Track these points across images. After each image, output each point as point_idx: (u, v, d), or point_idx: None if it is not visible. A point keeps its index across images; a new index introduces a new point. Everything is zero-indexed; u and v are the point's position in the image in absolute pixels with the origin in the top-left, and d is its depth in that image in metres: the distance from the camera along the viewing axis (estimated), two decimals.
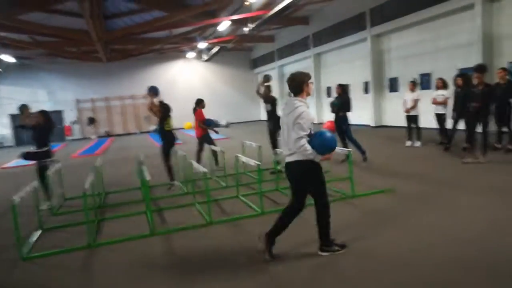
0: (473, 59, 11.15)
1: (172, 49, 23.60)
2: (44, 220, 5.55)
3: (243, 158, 5.96)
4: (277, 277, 3.38)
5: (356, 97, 15.30)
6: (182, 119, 25.90)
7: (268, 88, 8.20)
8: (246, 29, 16.92)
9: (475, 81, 7.14)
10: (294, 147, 3.49)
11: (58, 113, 24.54)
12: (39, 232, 5.17)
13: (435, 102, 9.21)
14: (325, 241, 3.68)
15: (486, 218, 4.34)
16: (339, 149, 6.19)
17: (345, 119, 8.30)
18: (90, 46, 18.10)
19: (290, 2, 12.37)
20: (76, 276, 3.79)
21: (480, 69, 7.11)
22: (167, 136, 7.50)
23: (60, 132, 24.11)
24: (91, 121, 25.51)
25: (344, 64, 18.23)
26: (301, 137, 3.43)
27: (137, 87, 26.55)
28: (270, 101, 8.11)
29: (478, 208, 4.72)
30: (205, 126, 8.78)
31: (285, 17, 18.57)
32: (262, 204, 5.22)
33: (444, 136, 9.16)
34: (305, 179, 3.63)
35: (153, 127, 26.36)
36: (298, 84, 3.68)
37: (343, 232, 4.12)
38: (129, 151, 15.30)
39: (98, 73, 25.17)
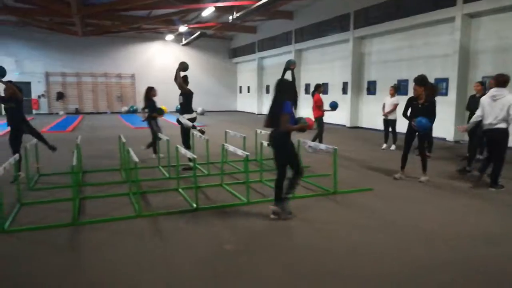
0: (449, 70, 11.69)
1: (151, 30, 23.01)
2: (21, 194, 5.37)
3: (231, 147, 5.99)
4: None
5: (335, 97, 15.60)
6: (158, 103, 25.50)
7: (185, 79, 7.41)
8: (230, 17, 16.82)
9: (414, 93, 6.45)
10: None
11: (26, 84, 23.37)
12: (17, 205, 5.01)
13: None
14: None
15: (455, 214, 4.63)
16: (325, 146, 6.37)
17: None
18: (66, 17, 17.35)
19: None
20: (63, 253, 3.72)
21: (419, 81, 6.35)
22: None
23: (26, 105, 23.05)
24: (60, 96, 24.55)
25: (325, 63, 18.48)
26: None
27: (111, 65, 25.79)
28: (183, 93, 7.37)
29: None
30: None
31: (270, 10, 18.57)
32: (248, 194, 5.30)
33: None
34: None
35: (125, 108, 25.84)
36: None
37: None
38: (102, 131, 14.87)
39: (70, 47, 24.13)
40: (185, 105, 7.40)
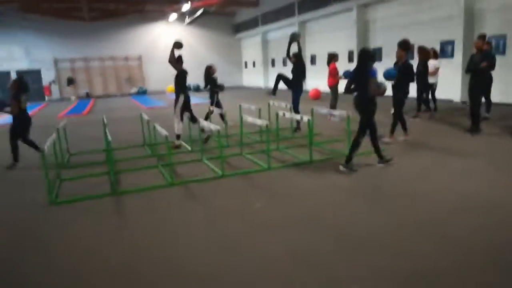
0: (456, 32, 11.78)
1: (155, 10, 23.07)
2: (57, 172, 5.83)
3: (250, 118, 6.35)
4: None
5: (341, 65, 15.72)
6: (165, 83, 25.83)
7: (179, 58, 7.55)
8: None
9: (397, 55, 6.70)
10: None
11: (36, 73, 23.83)
12: (57, 181, 5.48)
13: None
14: None
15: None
16: (339, 112, 6.69)
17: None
18: (73, 3, 17.50)
19: None
20: (111, 219, 4.18)
21: (400, 44, 6.60)
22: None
23: (39, 92, 23.54)
24: (70, 81, 24.96)
25: (329, 33, 18.51)
26: None
27: (118, 49, 26.03)
28: (178, 72, 7.57)
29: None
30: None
31: None
32: (269, 160, 5.70)
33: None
34: None
35: (134, 89, 26.21)
36: None
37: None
38: (117, 112, 15.30)
39: (76, 32, 24.41)
40: (180, 84, 7.61)
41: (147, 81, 26.81)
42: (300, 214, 3.96)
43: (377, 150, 5.42)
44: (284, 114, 6.85)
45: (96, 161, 6.75)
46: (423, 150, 6.34)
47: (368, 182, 4.92)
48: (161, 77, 24.95)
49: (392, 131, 6.84)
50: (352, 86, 5.26)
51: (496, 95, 9.61)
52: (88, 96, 25.31)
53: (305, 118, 5.98)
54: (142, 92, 25.72)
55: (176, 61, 7.51)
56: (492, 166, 5.26)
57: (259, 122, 5.91)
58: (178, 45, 7.53)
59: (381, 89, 5.06)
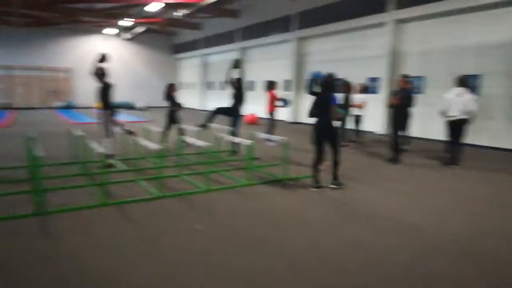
0: (381, 71, 12.90)
1: (93, 23, 22.23)
2: None
3: (190, 139, 6.31)
4: None
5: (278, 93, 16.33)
6: (95, 98, 24.62)
7: (103, 71, 7.22)
8: (178, 14, 16.89)
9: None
10: None
11: None
12: None
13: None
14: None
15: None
16: (279, 138, 6.92)
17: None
18: (2, 6, 16.29)
19: None
20: (38, 240, 3.87)
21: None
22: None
23: None
24: None
25: (268, 62, 19.21)
26: None
27: (46, 59, 24.49)
28: (103, 85, 7.25)
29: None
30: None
31: (216, 8, 18.89)
32: (209, 182, 5.69)
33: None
34: None
35: (60, 103, 24.63)
36: None
37: None
38: (42, 126, 14.25)
39: (1, 39, 22.59)
40: (104, 98, 7.25)
41: (75, 95, 25.41)
42: (240, 236, 3.99)
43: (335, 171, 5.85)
44: (224, 137, 6.93)
45: (17, 178, 6.21)
46: (349, 178, 6.76)
47: (305, 205, 5.11)
48: (91, 92, 23.80)
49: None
50: (315, 111, 5.75)
51: (416, 130, 10.60)
52: (5, 107, 23.19)
53: (247, 142, 6.10)
54: (69, 107, 24.31)
55: (100, 74, 7.20)
56: (410, 192, 5.76)
57: (200, 143, 5.92)
58: (103, 58, 7.28)
59: (340, 115, 5.54)
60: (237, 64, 8.55)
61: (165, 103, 9.30)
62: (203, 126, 8.32)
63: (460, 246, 3.84)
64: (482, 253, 3.67)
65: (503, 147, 9.87)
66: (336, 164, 5.82)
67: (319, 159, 5.73)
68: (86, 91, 24.63)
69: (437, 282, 3.12)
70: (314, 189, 5.70)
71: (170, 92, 9.25)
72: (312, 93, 5.85)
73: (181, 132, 8.84)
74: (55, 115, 19.18)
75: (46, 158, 7.58)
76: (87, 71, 7.34)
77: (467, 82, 7.75)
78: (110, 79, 7.37)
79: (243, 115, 8.59)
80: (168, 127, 9.14)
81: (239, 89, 8.53)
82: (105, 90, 7.26)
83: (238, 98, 8.50)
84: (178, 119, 9.11)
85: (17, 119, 17.04)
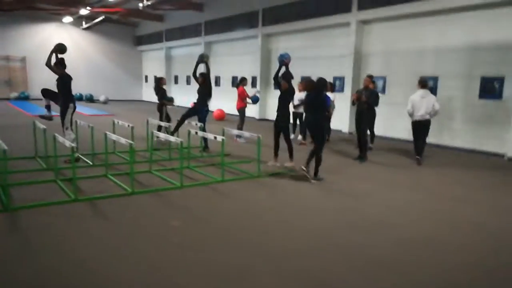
0: (346, 70, 13.28)
1: (48, 10, 21.13)
2: None
3: (161, 135, 6.24)
4: None
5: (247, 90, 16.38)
6: (52, 89, 23.50)
7: (61, 61, 6.97)
8: (140, 5, 16.45)
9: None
10: None
11: None
12: None
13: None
14: None
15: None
16: (249, 134, 6.98)
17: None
18: None
19: None
20: (7, 237, 3.71)
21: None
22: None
23: None
24: None
25: (234, 57, 19.16)
26: None
27: None
28: (60, 78, 6.93)
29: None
30: None
31: (180, 0, 18.59)
32: (181, 178, 5.66)
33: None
34: None
35: (14, 94, 23.29)
36: None
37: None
38: None
39: None
40: (63, 90, 6.90)
41: (30, 85, 24.09)
42: (215, 232, 4.03)
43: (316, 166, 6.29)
44: (196, 133, 6.90)
45: None
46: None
47: (280, 199, 5.22)
48: (48, 83, 22.75)
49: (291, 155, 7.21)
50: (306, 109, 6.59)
51: (379, 129, 11.02)
52: None
53: (219, 138, 6.12)
54: (24, 98, 23.05)
55: (56, 65, 6.91)
56: (380, 188, 6.04)
57: (172, 139, 5.86)
58: (60, 48, 7.01)
59: (330, 112, 6.48)
60: (203, 59, 8.45)
61: (158, 97, 9.07)
62: (173, 133, 7.97)
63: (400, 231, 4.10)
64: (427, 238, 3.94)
65: (460, 146, 10.42)
66: (317, 160, 6.22)
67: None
68: (42, 82, 23.22)
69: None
70: (314, 181, 6.19)
71: (159, 85, 9.03)
72: (278, 85, 6.93)
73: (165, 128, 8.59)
74: (8, 107, 18.14)
75: (9, 152, 7.27)
76: (43, 60, 6.96)
77: (428, 84, 8.22)
78: (68, 70, 7.09)
79: (208, 110, 8.54)
80: (165, 120, 8.93)
81: (205, 84, 8.45)
82: (63, 82, 6.94)
83: (204, 93, 8.43)
84: (168, 115, 8.90)
85: None
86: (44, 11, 21.37)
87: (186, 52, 22.37)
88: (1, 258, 3.28)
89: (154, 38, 25.40)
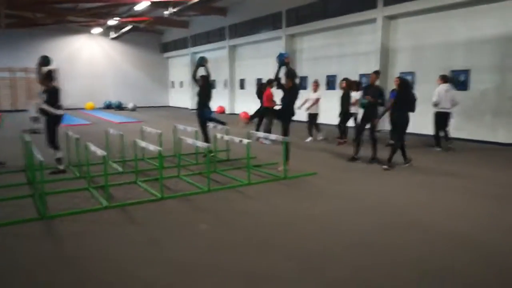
0: (372, 67, 13.01)
1: (78, 23, 21.90)
2: None
3: (189, 140, 6.30)
4: None
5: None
6: (83, 99, 24.36)
7: (49, 74, 6.73)
8: (166, 12, 16.76)
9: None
10: None
11: None
12: None
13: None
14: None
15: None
16: (275, 136, 6.94)
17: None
18: None
19: None
20: (45, 244, 3.85)
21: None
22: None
23: None
24: None
25: (259, 59, 19.20)
26: None
27: (31, 60, 24.02)
28: (47, 90, 6.74)
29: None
30: None
31: (204, 6, 18.77)
32: (209, 182, 5.70)
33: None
34: None
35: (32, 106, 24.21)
36: None
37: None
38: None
39: None
40: (52, 103, 6.73)
41: (63, 95, 24.98)
42: (245, 235, 4.02)
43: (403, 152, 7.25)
44: (222, 137, 6.94)
45: (14, 182, 6.14)
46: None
47: (305, 203, 5.16)
48: (80, 93, 23.67)
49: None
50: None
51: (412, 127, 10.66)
52: None
53: (244, 141, 6.12)
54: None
55: (46, 78, 6.67)
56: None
57: (200, 144, 5.92)
58: (44, 61, 6.76)
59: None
60: (202, 62, 8.57)
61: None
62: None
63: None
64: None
65: (491, 140, 10.03)
66: (394, 150, 7.13)
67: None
68: (74, 92, 24.28)
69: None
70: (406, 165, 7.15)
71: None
72: (280, 85, 7.30)
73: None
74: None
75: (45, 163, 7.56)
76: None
77: (451, 79, 9.09)
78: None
79: (211, 112, 8.58)
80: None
81: (205, 87, 8.43)
82: (53, 94, 6.71)
83: (204, 95, 8.36)
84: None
85: (4, 122, 16.75)
86: (75, 23, 22.16)
87: (211, 56, 22.46)
88: (41, 264, 3.40)
89: (180, 44, 25.83)
